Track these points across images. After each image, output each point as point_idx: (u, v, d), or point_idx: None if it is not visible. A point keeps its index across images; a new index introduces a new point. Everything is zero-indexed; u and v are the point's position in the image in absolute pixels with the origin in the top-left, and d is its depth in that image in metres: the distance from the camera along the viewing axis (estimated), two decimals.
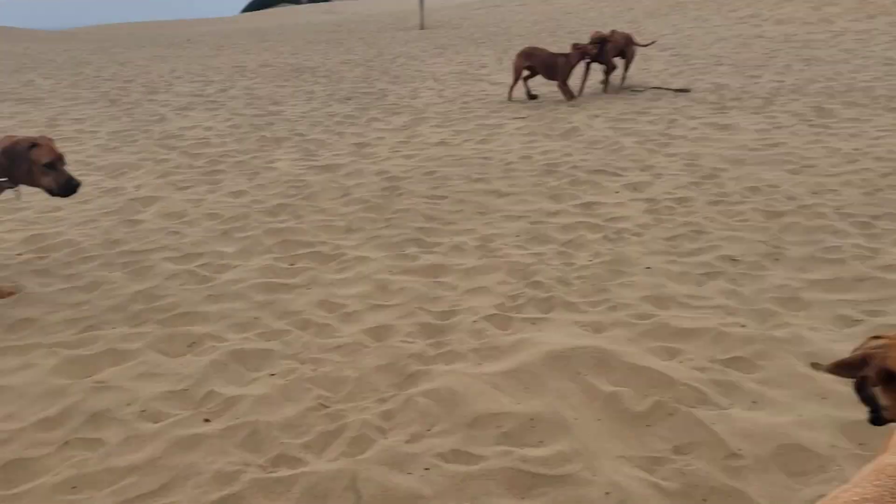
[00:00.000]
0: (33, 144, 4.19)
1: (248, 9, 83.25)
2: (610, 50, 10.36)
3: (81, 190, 4.68)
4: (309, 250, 5.01)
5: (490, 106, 10.36)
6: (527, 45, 11.12)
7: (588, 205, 5.78)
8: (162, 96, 12.68)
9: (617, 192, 6.07)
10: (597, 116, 9.14)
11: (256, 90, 12.95)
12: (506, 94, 10.99)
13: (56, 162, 4.24)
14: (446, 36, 21.96)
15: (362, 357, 3.49)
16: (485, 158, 7.39)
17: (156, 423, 3.00)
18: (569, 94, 10.22)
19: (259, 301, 4.20)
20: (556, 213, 5.63)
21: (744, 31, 17.56)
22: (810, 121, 8.20)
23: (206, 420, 3.00)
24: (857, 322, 3.65)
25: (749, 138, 7.60)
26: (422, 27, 25.66)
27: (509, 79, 12.83)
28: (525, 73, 10.47)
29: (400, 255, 4.87)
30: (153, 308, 4.14)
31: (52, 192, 4.28)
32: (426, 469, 2.63)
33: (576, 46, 10.13)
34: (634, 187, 6.18)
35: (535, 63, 10.23)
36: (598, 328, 3.73)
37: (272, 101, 11.67)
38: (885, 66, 11.45)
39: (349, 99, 11.58)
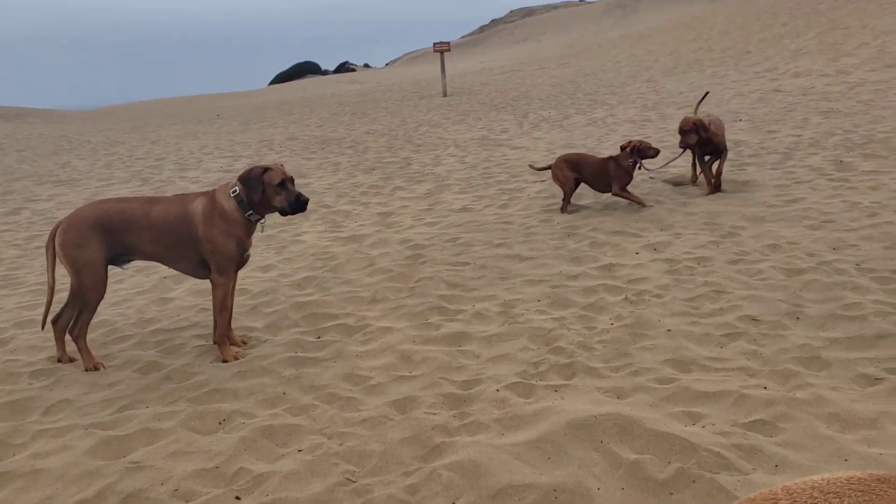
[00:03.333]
0: (265, 169, 4.55)
1: (276, 81, 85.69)
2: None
3: None
4: (335, 322, 5.13)
5: (511, 170, 10.54)
6: (570, 153, 8.46)
7: (608, 266, 5.85)
8: (192, 173, 13.08)
9: (637, 253, 6.14)
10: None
11: (283, 163, 13.31)
12: (527, 159, 11.17)
13: (286, 181, 4.56)
14: (468, 102, 22.42)
15: (387, 430, 3.55)
16: (506, 223, 7.52)
17: (188, 502, 3.07)
18: (638, 200, 7.76)
19: (286, 376, 4.30)
20: (576, 276, 5.71)
21: (761, 85, 17.73)
22: (829, 175, 8.24)
23: (238, 498, 3.07)
24: (880, 380, 3.65)
25: (768, 195, 7.66)
26: (444, 94, 26.23)
27: (529, 142, 13.05)
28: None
29: (423, 324, 4.96)
30: (185, 386, 4.26)
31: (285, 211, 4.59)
32: None
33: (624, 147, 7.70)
34: (654, 248, 6.24)
35: (584, 173, 7.84)
36: (620, 394, 3.76)
37: (299, 174, 11.99)
38: None
39: (374, 169, 11.86)
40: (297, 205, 4.55)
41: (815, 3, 29.64)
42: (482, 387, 3.96)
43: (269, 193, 4.52)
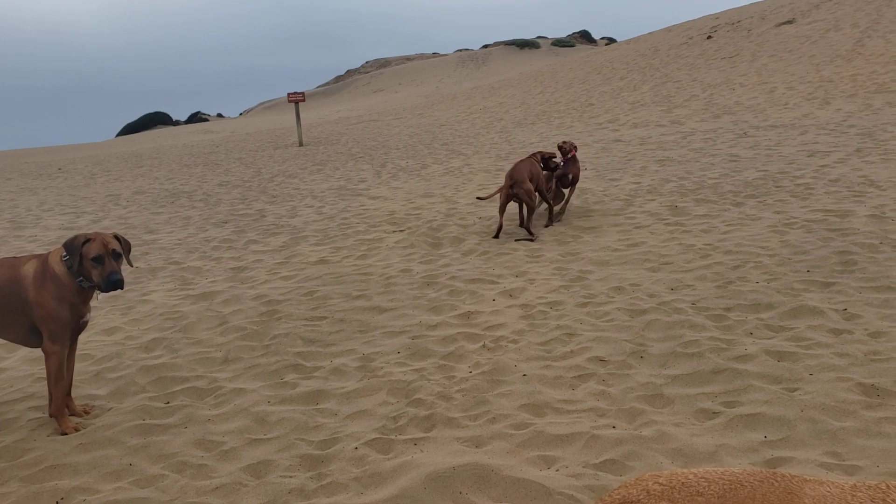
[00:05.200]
0: (87, 239, 4.22)
1: (124, 132, 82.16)
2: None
3: None
4: (185, 386, 4.90)
5: (370, 220, 10.58)
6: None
7: (467, 314, 5.95)
8: (30, 231, 12.25)
9: (494, 300, 6.28)
10: (473, 224, 9.49)
11: (130, 219, 12.73)
12: (386, 209, 11.25)
13: (103, 256, 4.22)
14: (325, 152, 22.39)
15: (241, 497, 3.41)
16: (365, 274, 7.50)
17: None
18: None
19: (133, 445, 4.06)
20: (436, 326, 5.76)
21: (604, 136, 18.82)
22: (666, 219, 8.81)
23: None
24: (717, 414, 3.89)
25: (612, 239, 8.08)
26: (300, 144, 26.08)
27: (388, 192, 13.16)
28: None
29: (279, 384, 4.83)
30: (17, 464, 3.92)
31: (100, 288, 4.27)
32: None
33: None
34: (510, 294, 6.41)
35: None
36: (478, 443, 3.80)
37: (147, 229, 11.49)
38: (730, 162, 12.50)
39: (226, 222, 11.55)
40: (108, 284, 4.20)
41: (648, 58, 31.96)
42: (340, 445, 3.89)
43: (86, 266, 4.23)
